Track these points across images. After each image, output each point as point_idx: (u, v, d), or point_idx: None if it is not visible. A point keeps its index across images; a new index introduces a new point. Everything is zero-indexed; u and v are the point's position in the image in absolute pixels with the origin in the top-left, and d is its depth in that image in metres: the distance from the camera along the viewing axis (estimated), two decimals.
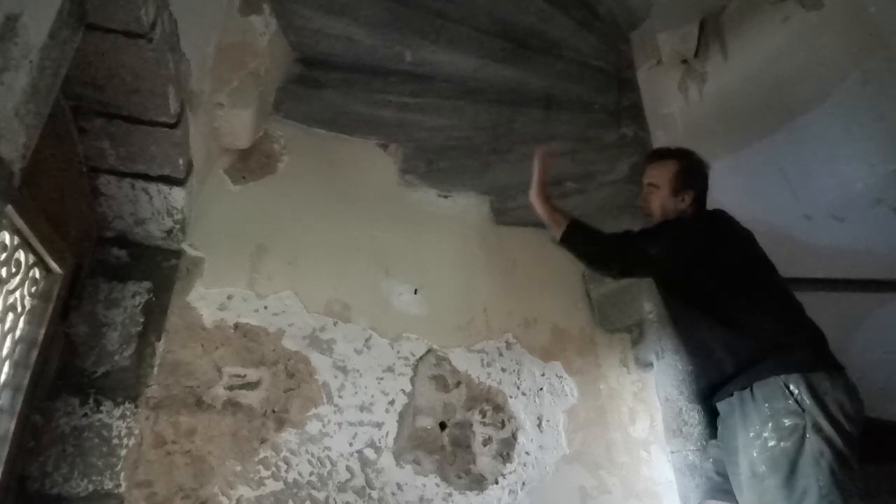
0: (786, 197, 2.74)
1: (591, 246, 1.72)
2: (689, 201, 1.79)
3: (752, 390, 1.46)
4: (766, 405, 1.42)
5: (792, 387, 1.40)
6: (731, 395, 1.53)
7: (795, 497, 1.31)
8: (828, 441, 1.33)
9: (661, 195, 1.82)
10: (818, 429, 1.34)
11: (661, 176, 1.84)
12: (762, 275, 1.65)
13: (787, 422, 1.37)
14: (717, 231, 1.70)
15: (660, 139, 2.54)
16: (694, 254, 1.65)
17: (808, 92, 2.75)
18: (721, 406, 1.60)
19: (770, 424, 1.39)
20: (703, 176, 1.87)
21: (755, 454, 1.40)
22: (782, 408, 1.39)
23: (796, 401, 1.38)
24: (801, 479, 1.32)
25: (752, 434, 1.43)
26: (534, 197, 1.76)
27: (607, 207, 2.34)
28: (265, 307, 1.85)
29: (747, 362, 1.49)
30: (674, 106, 3.13)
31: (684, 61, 3.09)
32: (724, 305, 1.59)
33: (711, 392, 1.66)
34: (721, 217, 1.78)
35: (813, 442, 1.33)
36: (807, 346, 1.49)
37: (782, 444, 1.36)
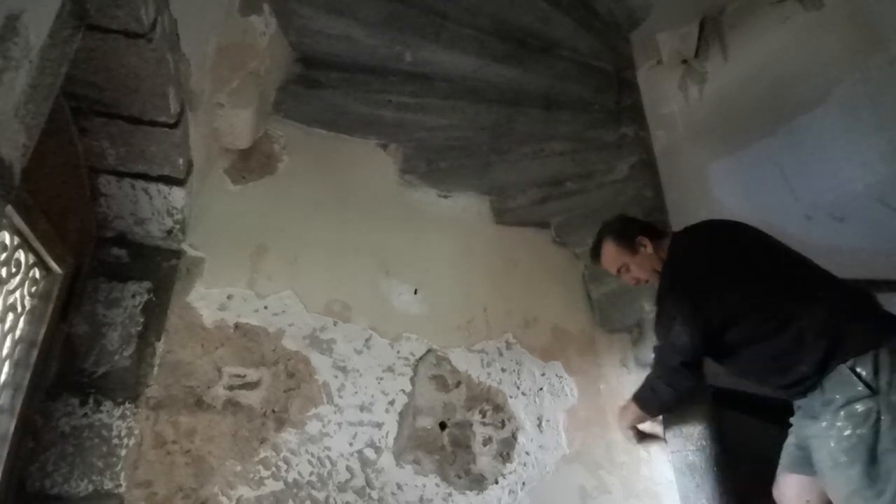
0: (786, 197, 2.74)
1: (662, 398, 1.74)
2: (649, 244, 1.77)
3: (822, 384, 1.43)
4: (837, 395, 1.39)
5: (859, 369, 1.37)
6: (805, 395, 1.50)
7: (880, 483, 1.30)
8: None
9: (633, 268, 1.81)
10: (891, 409, 1.32)
11: (614, 260, 1.85)
12: (784, 280, 1.57)
13: (859, 407, 1.35)
14: (705, 255, 1.66)
15: (660, 139, 2.54)
16: (708, 289, 1.58)
17: (807, 92, 2.75)
18: (800, 398, 1.56)
19: (842, 413, 1.37)
20: (628, 221, 1.89)
21: (833, 444, 1.38)
22: (853, 394, 1.36)
23: (866, 384, 1.35)
24: (883, 464, 1.31)
25: (824, 424, 1.41)
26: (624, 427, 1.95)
27: (607, 207, 2.33)
28: (265, 307, 1.85)
29: (810, 375, 1.46)
30: (674, 106, 3.13)
31: (684, 61, 3.10)
32: (767, 346, 1.51)
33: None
34: (702, 234, 1.73)
35: (887, 423, 1.32)
36: (864, 324, 1.44)
37: (858, 431, 1.34)
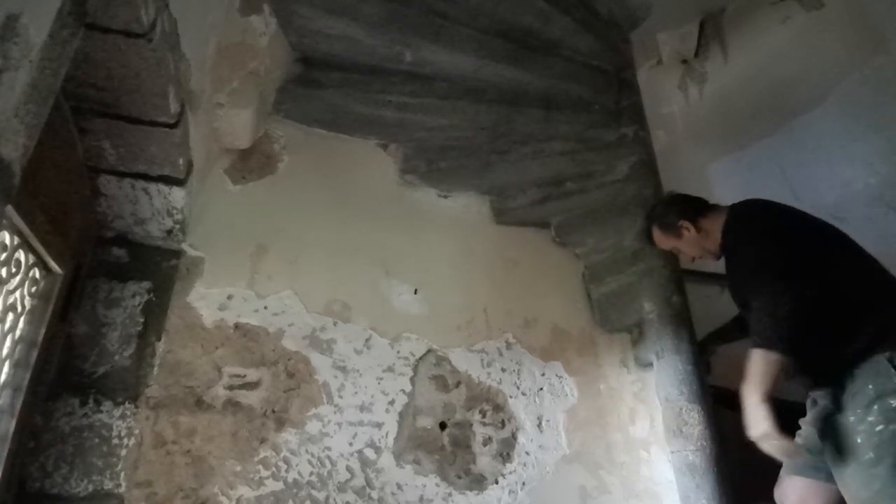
0: (786, 197, 2.74)
1: (783, 316, 1.41)
2: (691, 228, 1.80)
3: (852, 373, 1.39)
4: (870, 386, 1.34)
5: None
6: (830, 383, 1.45)
7: None
8: None
9: (683, 249, 1.88)
10: None
11: (664, 244, 1.94)
12: (836, 257, 1.55)
13: (894, 403, 1.30)
14: (775, 224, 1.62)
15: (660, 139, 2.55)
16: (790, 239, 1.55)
17: (808, 92, 2.76)
18: (815, 392, 1.52)
19: (875, 407, 1.31)
20: (669, 206, 1.91)
21: (860, 440, 1.32)
22: (889, 388, 1.31)
23: None
24: None
25: (853, 418, 1.35)
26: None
27: (607, 207, 2.34)
28: (265, 307, 1.85)
29: (848, 358, 1.41)
30: (674, 106, 3.14)
31: (684, 61, 3.10)
32: (826, 319, 1.44)
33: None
34: (781, 206, 1.69)
35: None
36: None
37: (891, 426, 1.28)
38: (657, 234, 1.92)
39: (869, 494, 1.30)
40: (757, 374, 1.39)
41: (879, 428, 1.30)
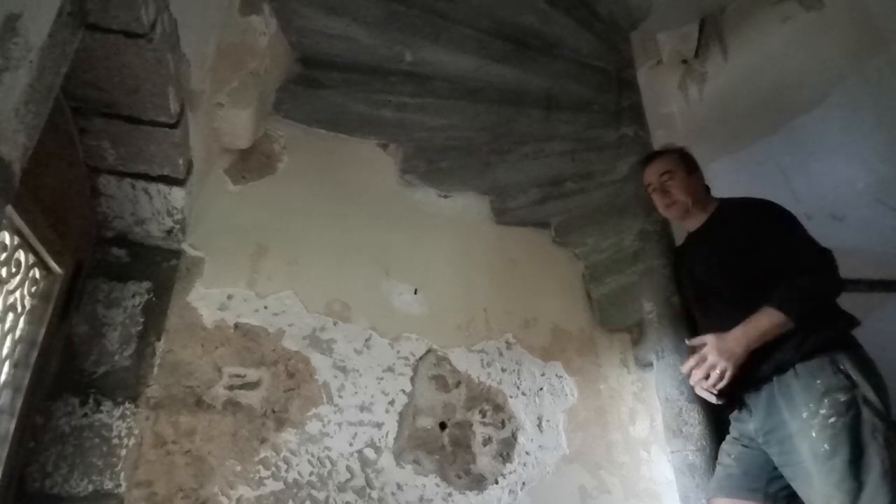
0: (786, 197, 2.74)
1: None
2: (703, 182, 1.84)
3: (795, 370, 1.44)
4: (818, 381, 1.39)
5: (839, 363, 1.40)
6: (771, 380, 1.48)
7: (863, 473, 1.29)
8: (878, 415, 1.33)
9: (679, 178, 1.84)
10: (868, 403, 1.34)
11: (667, 163, 1.88)
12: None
13: (841, 397, 1.35)
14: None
15: (660, 139, 2.54)
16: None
17: (807, 92, 2.75)
18: (753, 396, 1.54)
19: (826, 401, 1.36)
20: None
21: (814, 434, 1.35)
22: (835, 383, 1.37)
23: (846, 376, 1.38)
24: (866, 454, 1.30)
25: (805, 414, 1.38)
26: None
27: (607, 207, 2.34)
28: (265, 307, 1.85)
29: (787, 359, 1.46)
30: (674, 106, 3.13)
31: (684, 61, 3.10)
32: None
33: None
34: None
35: (867, 416, 1.33)
36: (844, 324, 1.50)
37: (842, 419, 1.33)
38: (674, 155, 1.91)
39: (830, 488, 1.32)
40: (759, 329, 1.48)
41: (832, 420, 1.34)
